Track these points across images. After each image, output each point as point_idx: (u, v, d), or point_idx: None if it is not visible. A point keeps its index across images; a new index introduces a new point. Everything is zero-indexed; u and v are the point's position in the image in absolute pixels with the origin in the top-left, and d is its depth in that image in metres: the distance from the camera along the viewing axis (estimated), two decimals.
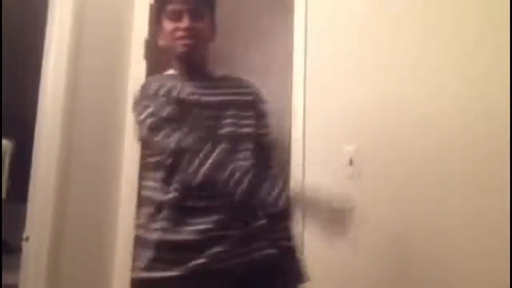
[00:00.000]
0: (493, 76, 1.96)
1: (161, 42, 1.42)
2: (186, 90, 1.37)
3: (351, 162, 2.15)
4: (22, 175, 2.20)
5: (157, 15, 1.42)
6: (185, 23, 1.34)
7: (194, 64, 1.43)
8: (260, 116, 1.50)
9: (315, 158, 2.22)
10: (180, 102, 1.33)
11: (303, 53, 2.30)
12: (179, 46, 1.37)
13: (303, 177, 2.21)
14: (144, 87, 1.38)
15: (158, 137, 1.27)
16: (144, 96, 1.35)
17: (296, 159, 2.25)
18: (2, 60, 2.38)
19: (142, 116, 1.31)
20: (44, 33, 2.25)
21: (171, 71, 1.46)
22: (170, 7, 1.36)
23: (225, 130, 1.37)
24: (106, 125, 2.53)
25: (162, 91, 1.33)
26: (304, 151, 2.24)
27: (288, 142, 2.28)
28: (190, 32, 1.35)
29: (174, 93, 1.35)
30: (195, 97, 1.36)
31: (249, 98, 1.49)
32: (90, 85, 2.41)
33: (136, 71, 2.65)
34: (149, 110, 1.30)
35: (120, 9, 2.67)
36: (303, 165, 2.23)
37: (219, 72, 1.52)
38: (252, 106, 1.47)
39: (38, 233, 2.08)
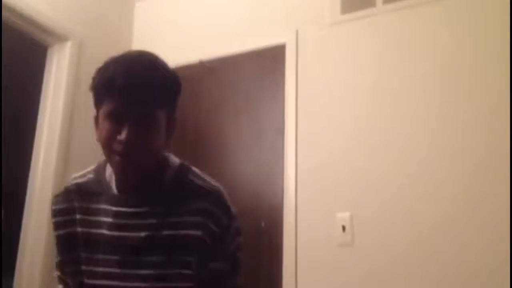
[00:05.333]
0: (492, 142, 1.97)
1: (98, 139, 1.01)
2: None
3: (344, 229, 2.14)
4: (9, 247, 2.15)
5: (95, 102, 1.02)
6: (123, 134, 0.94)
7: (131, 179, 1.03)
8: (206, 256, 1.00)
9: (307, 224, 2.21)
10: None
11: (294, 121, 2.33)
12: (113, 161, 0.99)
13: (296, 243, 2.20)
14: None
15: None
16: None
17: (289, 225, 2.24)
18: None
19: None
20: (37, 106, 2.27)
21: (107, 172, 1.08)
22: (108, 107, 0.97)
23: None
24: None
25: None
26: (296, 218, 2.23)
27: (280, 209, 2.28)
28: (129, 147, 0.95)
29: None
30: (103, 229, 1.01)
31: (195, 233, 0.99)
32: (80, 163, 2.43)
33: None
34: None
35: None
36: (296, 231, 2.22)
37: (170, 175, 1.05)
38: (197, 244, 0.99)
39: None
